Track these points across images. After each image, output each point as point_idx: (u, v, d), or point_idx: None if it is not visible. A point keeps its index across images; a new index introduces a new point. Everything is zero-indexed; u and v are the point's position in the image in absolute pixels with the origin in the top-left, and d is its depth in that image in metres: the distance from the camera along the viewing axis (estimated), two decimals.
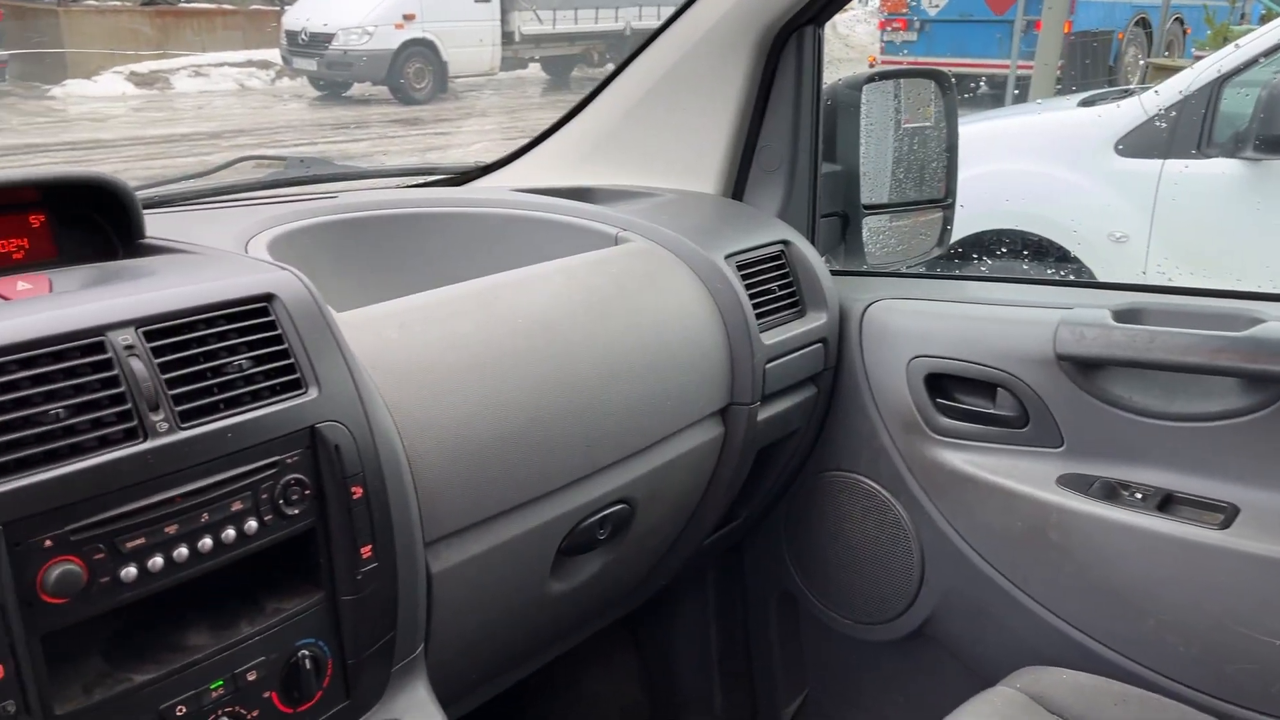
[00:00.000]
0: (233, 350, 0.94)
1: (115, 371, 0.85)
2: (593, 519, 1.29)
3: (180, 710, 0.89)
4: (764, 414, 1.49)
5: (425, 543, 1.08)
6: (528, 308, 1.24)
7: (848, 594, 1.72)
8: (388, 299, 1.20)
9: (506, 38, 13.31)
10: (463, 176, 1.94)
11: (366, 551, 1.00)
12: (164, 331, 0.90)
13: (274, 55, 13.58)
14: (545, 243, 1.51)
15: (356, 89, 12.77)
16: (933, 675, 1.69)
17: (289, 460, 0.94)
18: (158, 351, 0.89)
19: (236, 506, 0.91)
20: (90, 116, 11.81)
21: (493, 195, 1.62)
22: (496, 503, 1.16)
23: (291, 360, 0.97)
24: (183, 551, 0.87)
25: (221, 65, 13.63)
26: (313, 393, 0.97)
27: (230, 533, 0.90)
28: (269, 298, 0.98)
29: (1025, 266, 3.93)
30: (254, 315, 0.96)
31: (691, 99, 1.67)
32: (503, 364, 1.17)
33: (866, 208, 1.83)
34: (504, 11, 13.08)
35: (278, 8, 13.73)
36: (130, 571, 0.84)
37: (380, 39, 11.90)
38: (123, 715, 0.85)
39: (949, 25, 10.87)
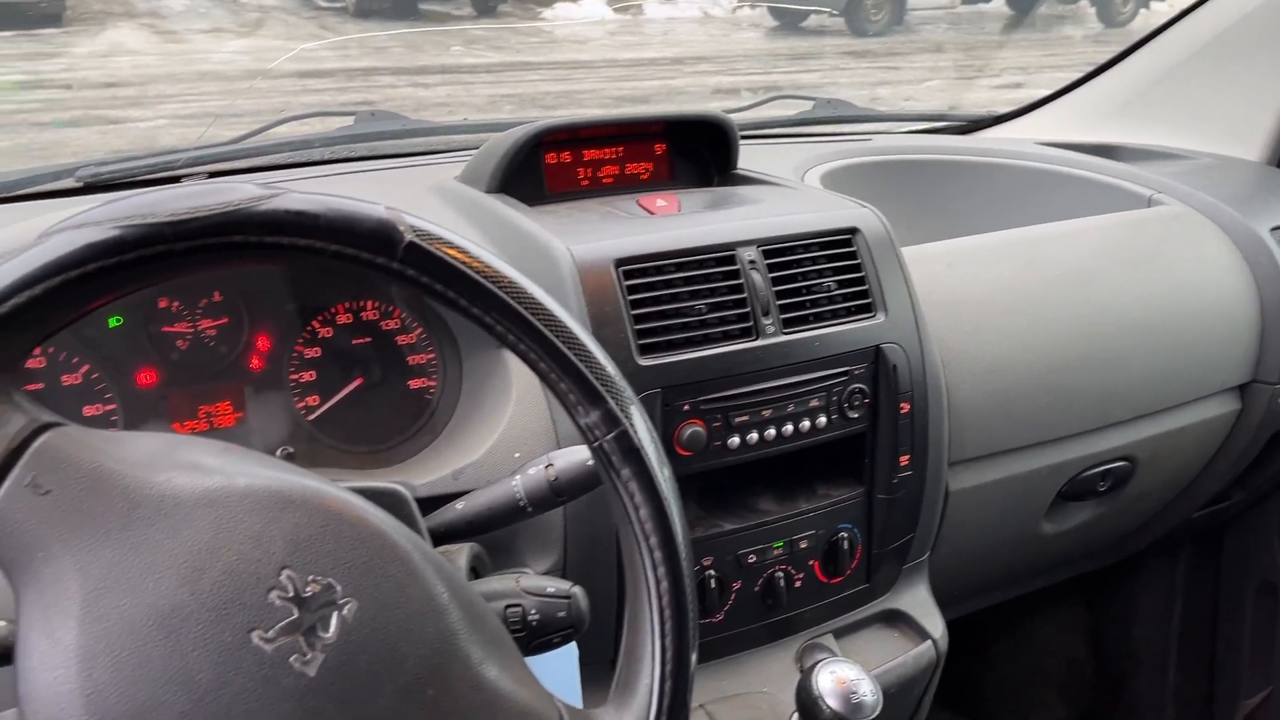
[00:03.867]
0: (820, 273, 1.11)
1: (741, 280, 1.05)
2: (1095, 470, 1.35)
3: (751, 559, 1.09)
4: None
5: (949, 463, 1.20)
6: (1065, 260, 1.31)
7: None
8: (913, 238, 1.32)
9: None
10: (973, 125, 2.00)
11: (904, 460, 1.14)
12: (777, 251, 1.08)
13: None
14: (1071, 199, 1.55)
15: (813, 20, 12.90)
16: None
17: (855, 371, 1.10)
18: (771, 267, 1.07)
19: (813, 403, 1.08)
20: (573, 39, 12.98)
21: (1017, 148, 1.67)
22: (1014, 438, 1.25)
23: (867, 287, 1.12)
24: (771, 432, 1.06)
25: None
26: (880, 317, 1.12)
27: (806, 424, 1.08)
28: (854, 231, 1.13)
29: None
30: (841, 245, 1.12)
31: (1250, 61, 1.60)
32: (1037, 311, 1.25)
33: None
34: None
35: None
36: (734, 440, 1.04)
37: None
38: (713, 552, 1.07)
39: None
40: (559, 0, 14.44)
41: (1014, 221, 1.39)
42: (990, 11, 14.49)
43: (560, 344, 0.69)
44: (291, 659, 0.54)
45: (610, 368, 0.71)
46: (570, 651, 0.95)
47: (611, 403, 0.71)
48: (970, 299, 1.23)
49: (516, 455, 0.96)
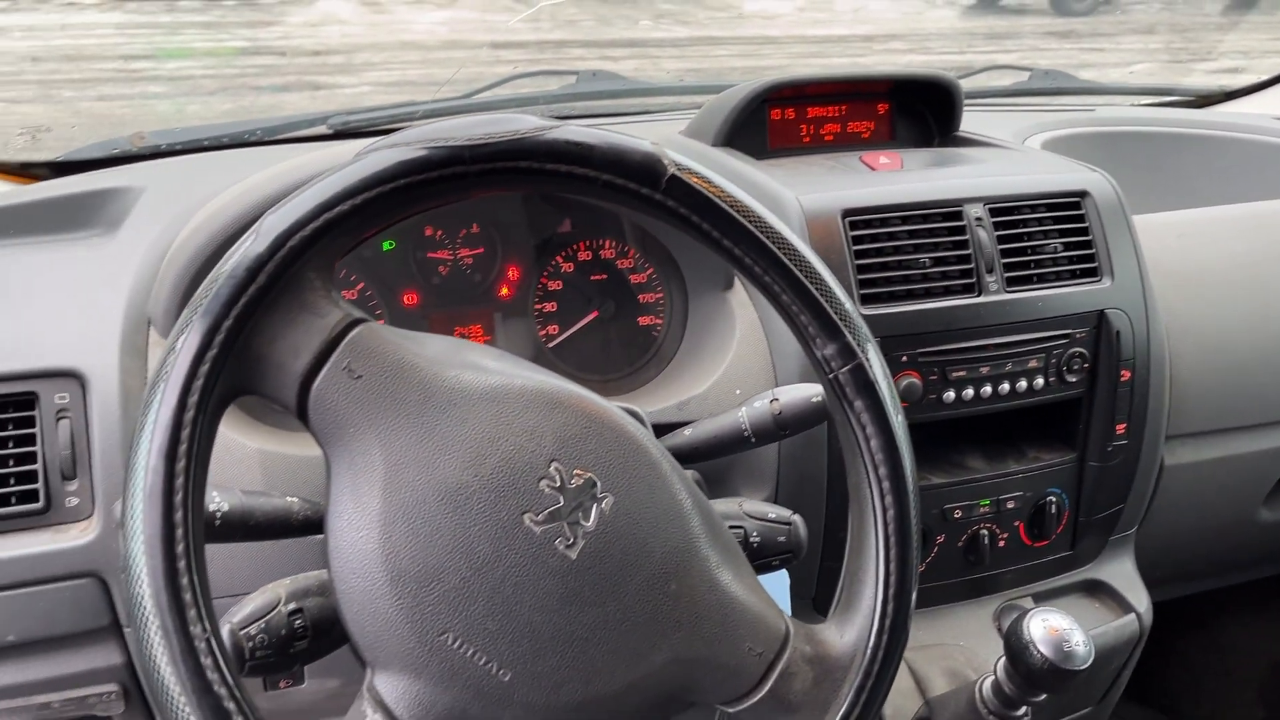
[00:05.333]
0: (1046, 234, 1.11)
1: (966, 237, 1.06)
2: None
3: (956, 514, 1.11)
4: None
5: (1166, 436, 1.18)
6: None
7: None
8: (1141, 210, 1.28)
9: None
10: (1203, 100, 1.91)
11: (1120, 429, 1.13)
12: (1003, 210, 1.09)
13: None
14: None
15: None
16: None
17: (1077, 335, 1.10)
18: (997, 225, 1.08)
19: (1032, 364, 1.08)
20: (761, 14, 12.84)
21: (1256, 122, 1.59)
22: (1236, 417, 1.21)
23: (1094, 251, 1.11)
24: (987, 389, 1.07)
25: None
26: (1106, 282, 1.11)
27: (1022, 384, 1.08)
28: (1084, 194, 1.12)
29: None
30: (1069, 207, 1.11)
31: None
32: (1271, 287, 1.21)
33: None
34: None
35: None
36: (950, 395, 1.06)
37: None
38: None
39: None
40: None
41: (1250, 197, 1.34)
42: None
43: (804, 278, 0.73)
44: (556, 542, 0.60)
45: (849, 305, 0.74)
46: (781, 579, 1.00)
47: (849, 337, 0.74)
48: (1201, 271, 1.20)
49: (738, 392, 1.00)
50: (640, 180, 0.68)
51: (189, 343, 0.58)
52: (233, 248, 0.61)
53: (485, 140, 0.64)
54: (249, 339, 0.60)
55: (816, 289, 0.73)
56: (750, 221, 0.72)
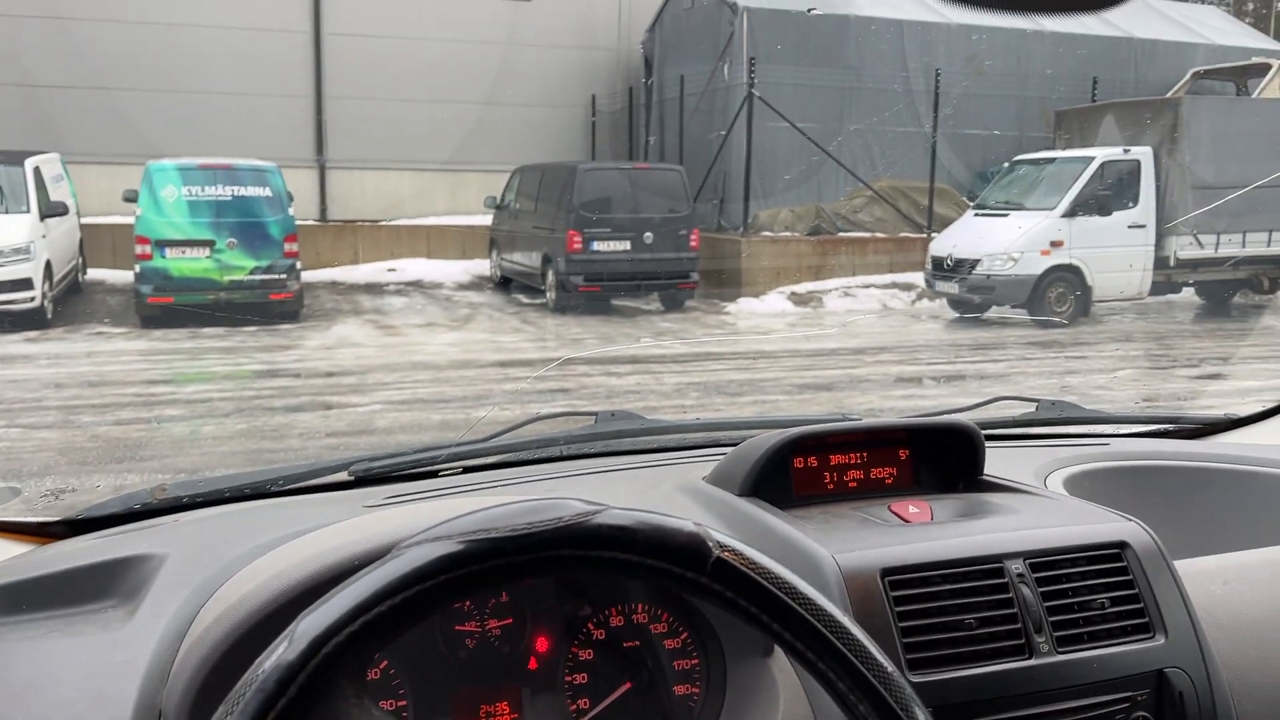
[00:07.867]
0: (1091, 589, 1.07)
1: (1010, 595, 1.03)
2: None
3: None
4: None
5: None
6: None
7: None
8: (1171, 550, 1.25)
9: (1160, 263, 12.73)
10: (1209, 428, 1.94)
11: None
12: (1044, 565, 1.06)
13: (916, 278, 14.49)
14: None
15: (994, 311, 13.08)
16: None
17: (1138, 698, 1.04)
18: (1039, 581, 1.05)
19: None
20: (756, 330, 13.53)
21: (1273, 455, 1.60)
22: None
23: (1142, 605, 1.07)
24: None
25: (868, 287, 14.87)
26: (1160, 639, 1.06)
27: None
28: (1123, 545, 1.10)
29: None
30: (1110, 559, 1.09)
31: None
32: None
33: None
34: (1160, 237, 12.58)
35: (925, 236, 14.73)
36: None
37: (1025, 264, 12.12)
38: None
39: None
40: (743, 296, 15.24)
41: None
42: (1180, 301, 14.28)
43: (862, 666, 0.69)
44: None
45: (909, 690, 0.70)
46: None
47: None
48: (1253, 620, 1.15)
49: None
50: (685, 564, 0.66)
51: None
52: (265, 653, 0.58)
53: (529, 530, 0.63)
54: None
55: (875, 677, 0.70)
56: (802, 605, 0.69)
